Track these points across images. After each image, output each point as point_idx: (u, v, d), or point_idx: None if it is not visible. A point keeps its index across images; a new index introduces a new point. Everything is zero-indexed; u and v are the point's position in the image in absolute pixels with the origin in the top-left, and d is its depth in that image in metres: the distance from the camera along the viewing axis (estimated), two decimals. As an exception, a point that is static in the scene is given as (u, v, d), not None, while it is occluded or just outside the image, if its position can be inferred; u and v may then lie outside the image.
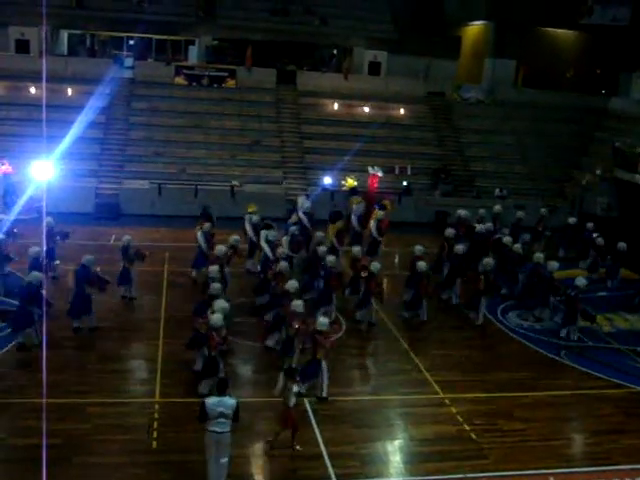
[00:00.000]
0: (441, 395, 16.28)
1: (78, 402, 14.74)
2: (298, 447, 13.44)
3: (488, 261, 20.86)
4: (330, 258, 20.05)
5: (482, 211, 26.87)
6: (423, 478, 13.11)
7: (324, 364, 15.46)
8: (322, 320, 15.87)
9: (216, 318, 15.07)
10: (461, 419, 15.22)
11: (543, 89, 39.73)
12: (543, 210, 28.11)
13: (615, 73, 40.93)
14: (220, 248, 20.19)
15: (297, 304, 16.41)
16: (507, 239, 23.56)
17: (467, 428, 14.86)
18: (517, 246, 23.00)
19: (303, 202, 25.33)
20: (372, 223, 25.28)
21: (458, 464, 13.46)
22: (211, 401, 11.71)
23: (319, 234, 22.46)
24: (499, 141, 37.62)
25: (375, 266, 19.58)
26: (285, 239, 22.01)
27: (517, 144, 37.49)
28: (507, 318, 21.05)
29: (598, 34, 40.64)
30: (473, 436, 14.58)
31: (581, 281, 19.90)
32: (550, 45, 42.65)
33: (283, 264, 19.11)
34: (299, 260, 22.40)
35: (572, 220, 27.68)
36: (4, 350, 16.63)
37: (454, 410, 15.60)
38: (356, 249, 21.67)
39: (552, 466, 13.56)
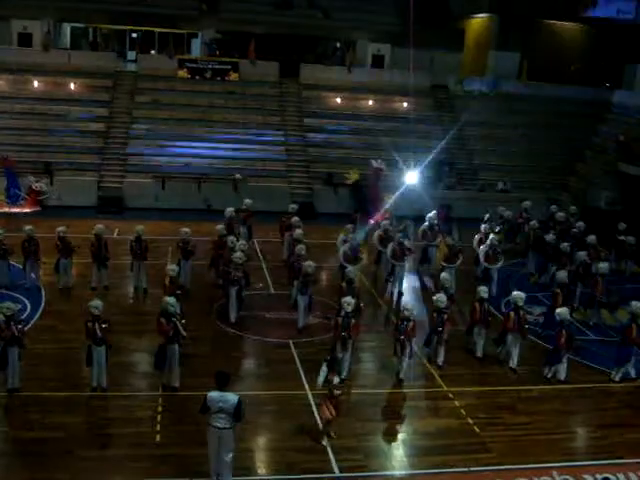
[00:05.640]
0: (445, 389, 16.26)
1: (81, 395, 14.75)
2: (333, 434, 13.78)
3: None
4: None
5: (554, 207, 27.34)
6: (426, 471, 13.10)
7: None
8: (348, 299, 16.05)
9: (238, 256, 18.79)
10: (464, 412, 15.21)
11: (547, 82, 39.57)
12: (526, 203, 27.66)
13: (620, 66, 40.77)
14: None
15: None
16: (550, 237, 23.72)
17: (470, 422, 14.85)
18: (564, 245, 22.89)
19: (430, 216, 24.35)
20: (482, 248, 22.81)
21: (461, 457, 13.46)
22: (213, 395, 11.64)
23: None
24: (503, 134, 37.50)
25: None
26: (389, 249, 21.94)
27: (521, 137, 37.33)
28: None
29: (602, 27, 40.48)
30: (476, 429, 14.57)
31: (605, 266, 20.58)
32: (554, 38, 42.52)
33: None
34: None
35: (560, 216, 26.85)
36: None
37: (457, 404, 15.59)
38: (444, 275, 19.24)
39: (556, 460, 13.55)
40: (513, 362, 17.32)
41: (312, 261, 19.15)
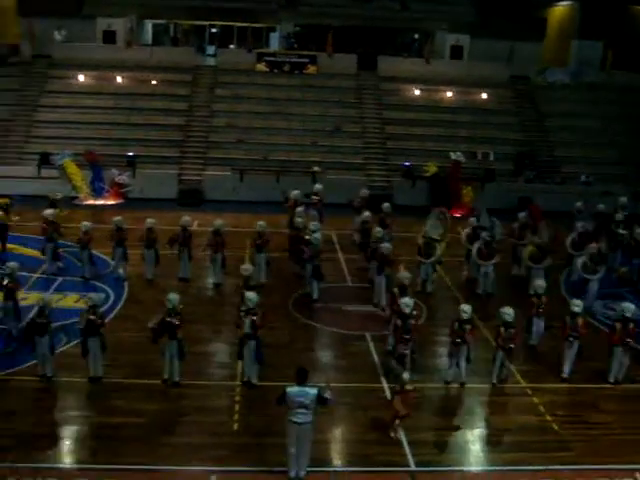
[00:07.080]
0: (523, 384, 16.01)
1: (160, 383, 15.06)
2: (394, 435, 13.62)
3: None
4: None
5: (623, 199, 26.25)
6: (502, 468, 12.94)
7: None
8: (406, 301, 15.67)
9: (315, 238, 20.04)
10: (543, 409, 14.94)
11: (633, 72, 38.28)
12: (622, 199, 26.56)
13: None
14: None
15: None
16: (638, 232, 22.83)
17: (549, 419, 14.58)
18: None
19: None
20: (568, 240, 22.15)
21: (539, 455, 13.23)
22: (293, 390, 11.65)
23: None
24: (586, 126, 36.45)
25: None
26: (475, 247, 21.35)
27: (605, 129, 36.23)
28: (593, 307, 20.45)
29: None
30: (555, 427, 14.28)
31: None
32: (641, 25, 41.13)
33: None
34: None
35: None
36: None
37: (536, 400, 15.33)
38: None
39: (640, 461, 13.16)
40: (619, 376, 16.23)
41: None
